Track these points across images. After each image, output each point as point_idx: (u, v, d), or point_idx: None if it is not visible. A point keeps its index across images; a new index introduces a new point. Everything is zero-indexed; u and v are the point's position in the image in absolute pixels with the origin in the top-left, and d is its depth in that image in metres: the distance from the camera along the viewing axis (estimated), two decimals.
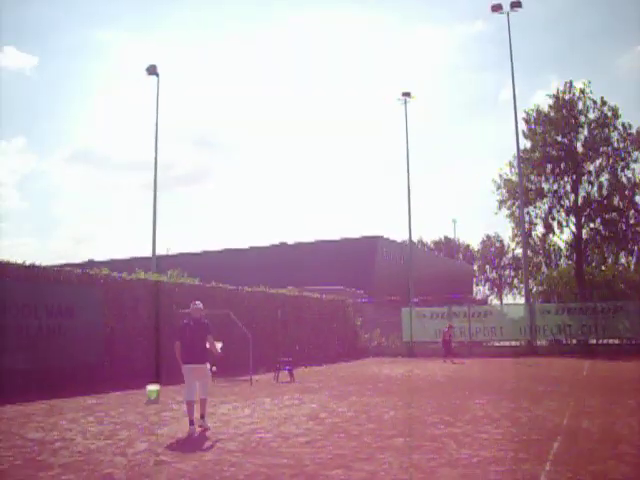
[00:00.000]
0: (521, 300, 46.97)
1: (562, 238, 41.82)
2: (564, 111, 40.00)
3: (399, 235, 77.88)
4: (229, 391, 16.63)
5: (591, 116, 39.91)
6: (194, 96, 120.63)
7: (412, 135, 65.23)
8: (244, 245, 62.86)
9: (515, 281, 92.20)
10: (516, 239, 42.16)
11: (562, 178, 40.35)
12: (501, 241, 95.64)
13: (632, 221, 40.72)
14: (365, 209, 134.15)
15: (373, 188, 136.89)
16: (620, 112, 39.63)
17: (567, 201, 40.31)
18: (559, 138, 40.12)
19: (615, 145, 39.66)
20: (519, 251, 43.09)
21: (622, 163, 39.77)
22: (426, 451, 8.56)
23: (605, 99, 39.77)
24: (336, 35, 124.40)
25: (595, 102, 39.71)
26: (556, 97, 40.52)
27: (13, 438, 9.84)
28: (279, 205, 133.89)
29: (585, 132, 40.01)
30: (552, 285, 42.54)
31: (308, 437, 9.76)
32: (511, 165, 41.27)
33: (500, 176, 41.93)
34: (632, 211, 40.53)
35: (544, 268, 45.10)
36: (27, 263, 17.64)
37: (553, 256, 45.17)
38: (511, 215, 41.52)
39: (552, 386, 17.14)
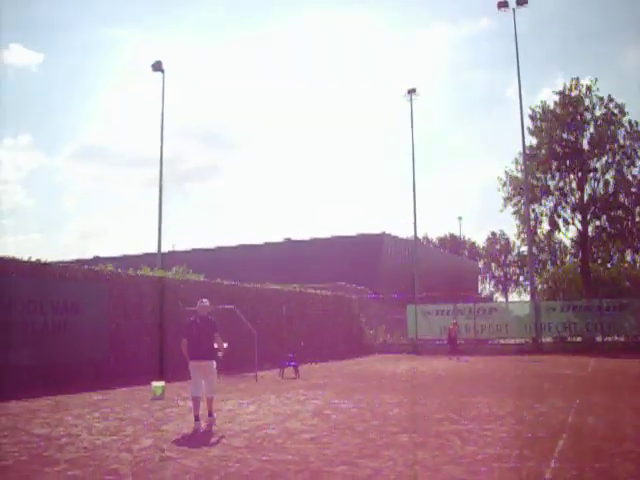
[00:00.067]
0: (526, 297, 47.14)
1: (568, 235, 41.83)
2: (570, 108, 39.92)
3: (404, 232, 77.85)
4: (234, 387, 16.64)
5: (597, 113, 39.82)
6: (202, 92, 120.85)
7: (418, 132, 65.22)
8: (250, 241, 62.89)
9: (520, 278, 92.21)
10: (521, 236, 42.24)
11: (568, 175, 40.32)
12: (506, 238, 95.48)
13: (638, 219, 40.65)
14: (371, 206, 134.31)
15: (379, 185, 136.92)
16: (626, 110, 39.57)
17: (573, 198, 40.28)
18: (565, 135, 40.07)
19: (621, 142, 39.56)
20: (524, 248, 43.16)
21: (628, 161, 39.69)
22: (431, 448, 8.56)
23: (612, 96, 39.71)
24: (343, 32, 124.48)
25: (602, 99, 39.61)
26: (562, 94, 40.44)
27: (19, 434, 9.88)
28: (285, 201, 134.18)
29: (591, 129, 39.93)
30: (557, 282, 42.47)
31: (313, 433, 9.77)
32: (517, 162, 41.21)
33: (506, 173, 41.94)
34: (638, 208, 40.45)
35: (549, 265, 45.04)
36: (33, 259, 17.70)
37: (558, 253, 45.14)
38: (517, 212, 41.50)
39: (557, 383, 17.12)
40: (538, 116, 41.13)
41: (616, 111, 39.52)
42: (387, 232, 59.41)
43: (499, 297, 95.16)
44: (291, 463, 7.70)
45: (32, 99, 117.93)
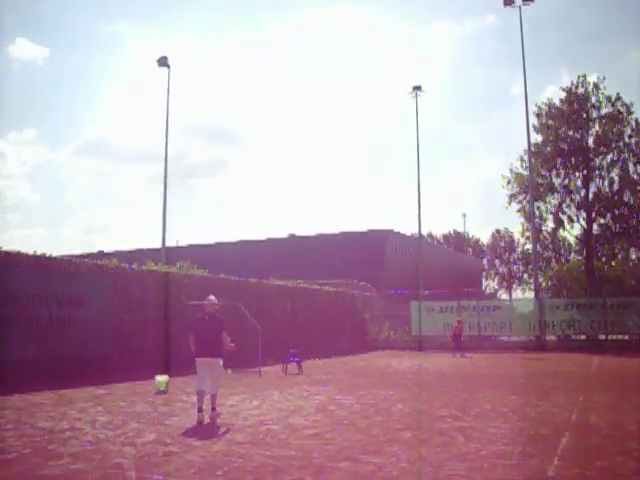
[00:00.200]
0: (530, 295, 46.98)
1: (572, 233, 41.72)
2: (576, 105, 39.79)
3: (409, 229, 77.85)
4: (238, 383, 16.66)
5: (603, 111, 39.70)
6: (205, 89, 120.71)
7: (423, 129, 65.14)
8: (255, 237, 62.87)
9: (524, 276, 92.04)
10: (526, 234, 42.08)
11: (573, 173, 40.21)
12: (511, 236, 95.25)
13: None
14: (375, 203, 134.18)
15: (384, 182, 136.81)
16: (632, 108, 39.46)
17: (577, 196, 40.19)
18: (571, 132, 39.93)
19: (627, 140, 39.46)
20: (529, 246, 42.95)
21: (634, 159, 39.58)
22: (434, 445, 8.56)
23: (620, 95, 39.58)
24: (349, 29, 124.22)
25: (610, 98, 39.47)
26: (569, 91, 40.29)
27: (23, 427, 9.90)
28: (290, 198, 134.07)
29: (597, 127, 39.81)
30: (561, 280, 42.43)
31: (316, 429, 9.78)
32: (522, 159, 41.13)
33: (511, 170, 41.86)
34: None
35: (554, 263, 44.98)
36: (37, 253, 17.73)
37: (563, 251, 45.07)
38: (521, 210, 41.42)
39: (560, 381, 17.11)
40: (543, 113, 41.03)
41: (623, 109, 39.41)
42: (392, 229, 59.36)
43: (503, 294, 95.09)
44: (294, 459, 7.71)
45: (37, 93, 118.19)
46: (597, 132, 39.72)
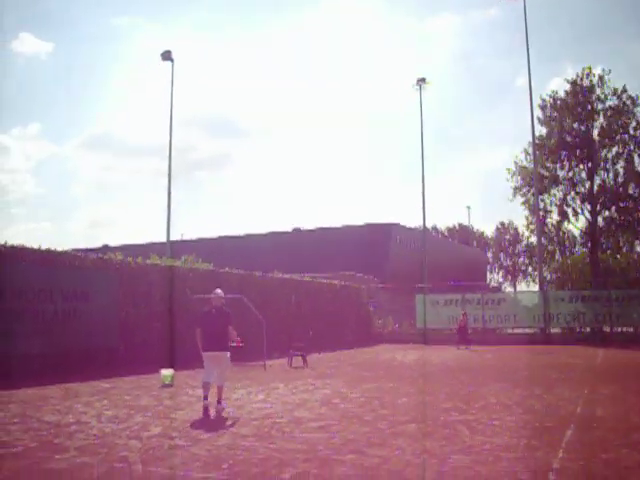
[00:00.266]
0: (535, 287, 46.92)
1: (577, 226, 41.58)
2: (581, 97, 39.61)
3: (413, 222, 77.75)
4: (243, 376, 16.68)
5: (608, 103, 39.51)
6: (209, 83, 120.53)
7: (427, 122, 65.01)
8: (260, 231, 62.91)
9: (529, 269, 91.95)
10: (530, 226, 41.96)
11: (577, 165, 40.02)
12: (515, 228, 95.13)
13: None
14: (379, 197, 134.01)
15: (387, 176, 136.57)
16: (638, 101, 39.23)
17: (582, 188, 39.99)
18: (575, 125, 39.76)
19: (632, 133, 39.28)
20: (533, 239, 42.88)
21: (639, 151, 39.41)
22: (439, 437, 8.58)
23: (626, 87, 39.36)
24: (351, 23, 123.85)
25: (616, 90, 39.27)
26: (573, 83, 40.09)
27: (29, 421, 9.94)
28: (294, 192, 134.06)
29: (602, 119, 39.63)
30: (566, 273, 42.29)
31: (321, 422, 9.79)
32: (526, 152, 40.96)
33: (515, 163, 41.67)
34: None
35: (558, 256, 44.85)
36: (43, 248, 17.77)
37: (567, 244, 44.94)
38: (526, 202, 41.28)
39: (565, 374, 17.10)
40: (548, 105, 40.84)
41: (629, 102, 39.21)
42: (396, 222, 59.32)
43: (507, 287, 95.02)
44: (299, 452, 7.73)
45: (42, 88, 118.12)
46: (602, 124, 39.51)
